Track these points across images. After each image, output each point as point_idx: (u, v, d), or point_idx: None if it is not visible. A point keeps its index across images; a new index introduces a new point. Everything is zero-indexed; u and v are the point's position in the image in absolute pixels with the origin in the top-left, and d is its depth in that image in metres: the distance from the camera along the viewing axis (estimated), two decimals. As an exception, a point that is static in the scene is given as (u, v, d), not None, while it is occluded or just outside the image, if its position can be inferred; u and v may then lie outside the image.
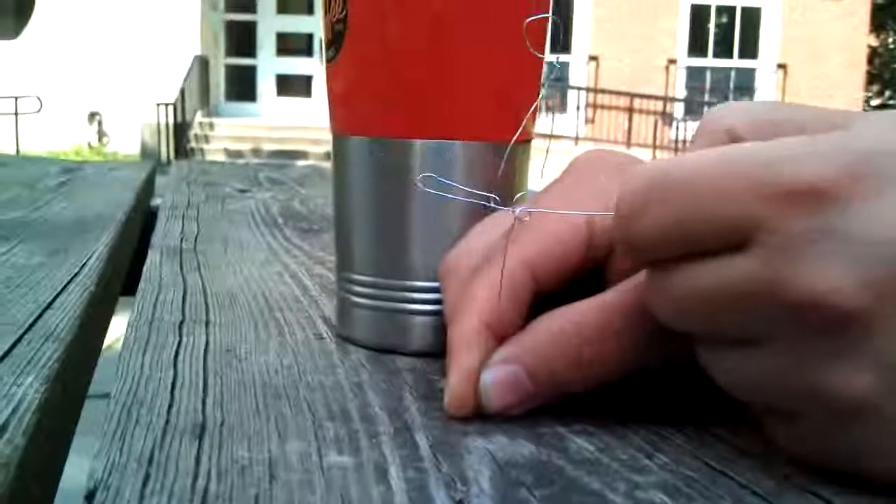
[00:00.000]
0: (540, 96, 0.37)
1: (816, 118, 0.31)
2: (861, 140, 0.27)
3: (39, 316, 0.46)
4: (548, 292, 0.35)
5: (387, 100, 0.40)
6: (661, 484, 0.29)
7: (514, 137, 0.36)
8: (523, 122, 0.36)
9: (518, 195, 0.37)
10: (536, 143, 0.44)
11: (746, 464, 0.30)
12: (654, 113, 12.62)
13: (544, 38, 0.41)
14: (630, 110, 12.69)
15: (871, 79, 16.08)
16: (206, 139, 11.92)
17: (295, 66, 13.41)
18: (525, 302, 0.35)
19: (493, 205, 0.37)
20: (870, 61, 14.79)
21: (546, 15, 0.37)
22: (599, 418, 0.34)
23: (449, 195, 0.39)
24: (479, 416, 0.34)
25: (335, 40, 0.42)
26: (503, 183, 0.41)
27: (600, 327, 0.33)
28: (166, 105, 10.85)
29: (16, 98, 10.54)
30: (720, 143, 0.31)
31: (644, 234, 0.29)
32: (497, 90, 0.40)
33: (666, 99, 12.87)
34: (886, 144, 0.26)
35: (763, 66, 13.58)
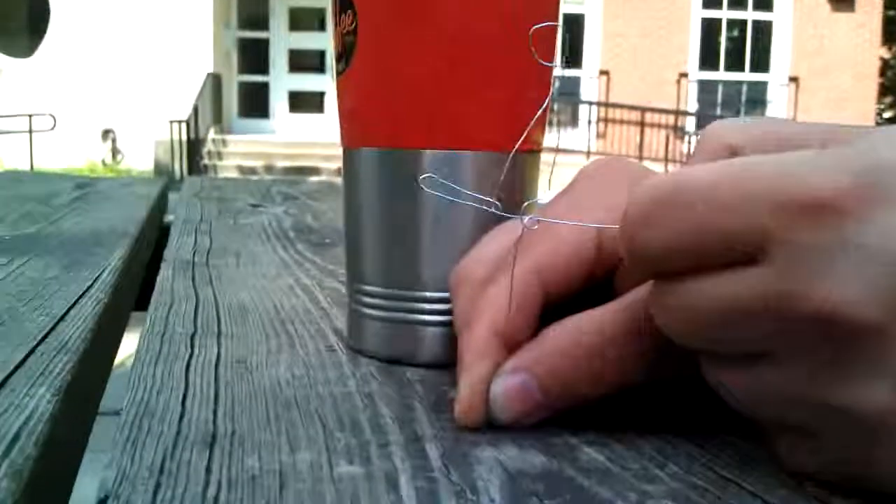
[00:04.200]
0: (543, 106, 0.37)
1: (816, 132, 0.31)
2: (874, 152, 0.27)
3: (53, 328, 0.46)
4: (558, 301, 0.35)
5: (397, 111, 0.41)
6: (671, 493, 0.29)
7: (517, 146, 0.36)
8: (525, 131, 0.36)
9: (525, 204, 0.37)
10: (546, 157, 0.44)
11: (758, 473, 0.30)
12: (666, 127, 12.61)
13: (553, 50, 0.41)
14: (642, 124, 12.68)
15: (884, 91, 16.04)
16: (219, 156, 11.97)
17: (307, 82, 13.47)
18: (535, 311, 0.35)
19: (494, 210, 0.37)
20: (882, 73, 14.75)
21: (553, 24, 0.37)
22: (610, 428, 0.34)
23: (451, 198, 0.39)
24: (490, 426, 0.34)
25: (345, 52, 0.42)
26: (511, 192, 0.41)
27: (610, 336, 0.33)
28: (179, 122, 10.91)
29: (30, 116, 10.62)
30: (721, 158, 0.31)
31: (653, 245, 0.28)
32: (507, 100, 0.40)
33: (678, 113, 12.86)
34: None
35: (775, 80, 13.56)
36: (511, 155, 0.36)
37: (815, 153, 0.27)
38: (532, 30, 0.36)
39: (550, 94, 0.40)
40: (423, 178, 0.40)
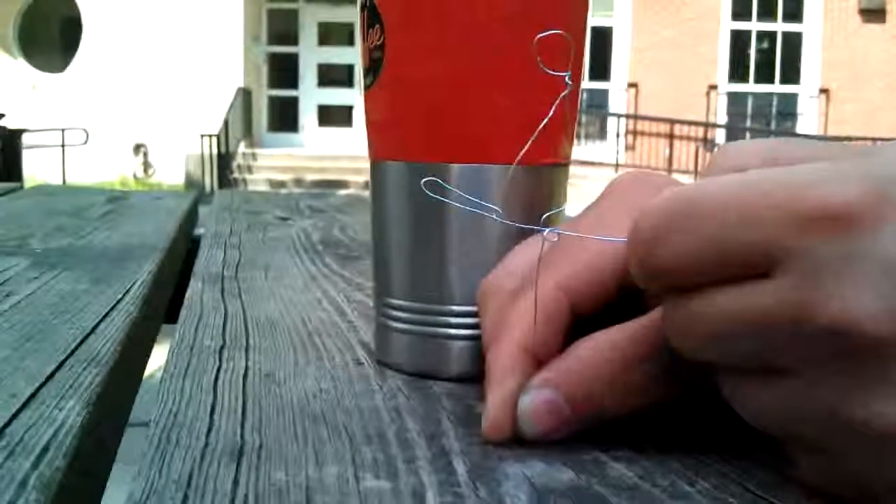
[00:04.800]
0: (548, 116, 0.36)
1: (827, 152, 0.30)
2: (886, 167, 0.26)
3: (83, 341, 0.46)
4: (586, 315, 0.35)
5: (424, 124, 0.41)
6: (702, 510, 0.28)
7: (518, 157, 0.35)
8: (529, 141, 0.36)
9: (545, 215, 0.37)
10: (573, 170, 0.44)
11: (791, 489, 0.30)
12: (696, 139, 12.55)
13: (571, 60, 0.41)
14: (671, 137, 12.63)
15: (917, 103, 15.83)
16: (249, 169, 12.06)
17: (336, 96, 13.56)
18: (562, 326, 0.35)
19: (497, 218, 0.37)
20: (914, 85, 14.59)
21: (558, 31, 0.37)
22: (640, 444, 0.34)
23: (450, 202, 0.39)
24: (518, 441, 0.34)
25: (373, 67, 0.42)
26: (539, 205, 0.41)
27: (640, 350, 0.32)
28: (210, 136, 11.01)
29: (62, 130, 10.75)
30: None
31: (668, 260, 0.28)
32: (533, 114, 0.40)
33: (707, 125, 12.80)
34: None
35: (805, 91, 13.46)
36: (512, 167, 0.36)
37: (830, 165, 0.27)
38: (536, 38, 0.36)
39: (578, 106, 0.40)
40: (425, 182, 0.39)
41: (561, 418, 0.33)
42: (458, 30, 0.39)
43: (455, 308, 0.41)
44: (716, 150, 0.34)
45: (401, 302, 0.43)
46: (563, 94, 0.37)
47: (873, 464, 0.27)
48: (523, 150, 0.36)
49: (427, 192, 0.39)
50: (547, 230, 0.35)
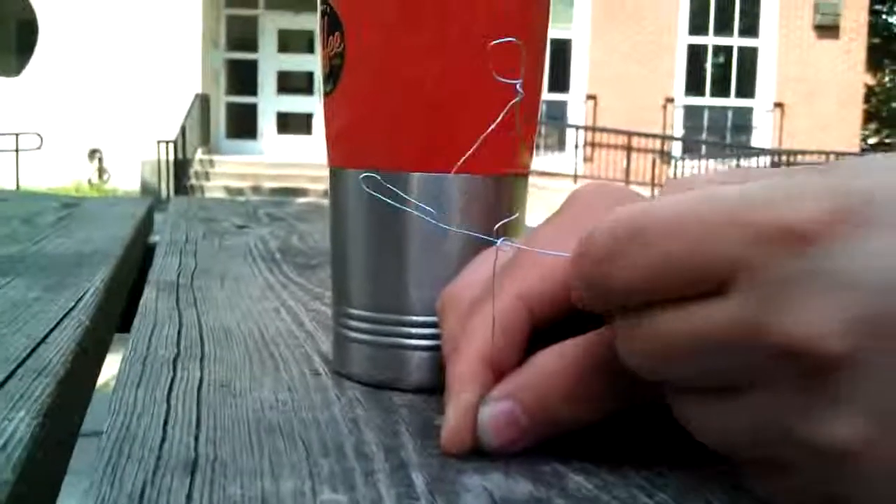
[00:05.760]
0: (493, 125, 0.36)
1: (780, 175, 0.30)
2: (840, 183, 0.26)
3: (33, 350, 0.45)
4: (546, 326, 0.35)
5: (383, 133, 0.40)
6: (661, 522, 0.28)
7: (457, 165, 0.36)
8: (471, 149, 0.36)
9: (498, 224, 0.37)
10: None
11: (749, 501, 0.30)
12: (653, 151, 12.66)
13: (528, 70, 0.41)
14: (628, 148, 12.73)
15: (868, 117, 16.16)
16: (207, 176, 11.95)
17: (296, 104, 13.49)
18: (522, 336, 0.35)
19: (431, 220, 0.37)
20: (866, 100, 14.87)
21: (511, 39, 0.37)
22: (599, 455, 0.34)
23: (393, 203, 0.39)
24: (477, 453, 0.33)
25: (333, 74, 0.42)
26: (498, 215, 0.41)
27: (595, 363, 0.32)
28: (167, 142, 10.89)
29: (16, 135, 10.60)
30: None
31: (620, 279, 0.28)
32: (492, 123, 0.40)
33: (664, 137, 12.93)
34: (865, 188, 0.26)
35: (760, 105, 13.65)
36: (463, 176, 0.36)
37: (785, 182, 0.27)
38: (491, 45, 0.35)
39: (538, 117, 0.40)
40: (364, 178, 0.39)
41: (520, 430, 0.33)
42: (418, 38, 0.39)
43: (414, 318, 0.41)
44: (666, 180, 0.34)
45: (360, 312, 0.42)
46: (511, 102, 0.36)
47: (830, 482, 0.26)
48: (465, 156, 0.36)
49: (365, 188, 0.39)
50: (501, 240, 0.35)
